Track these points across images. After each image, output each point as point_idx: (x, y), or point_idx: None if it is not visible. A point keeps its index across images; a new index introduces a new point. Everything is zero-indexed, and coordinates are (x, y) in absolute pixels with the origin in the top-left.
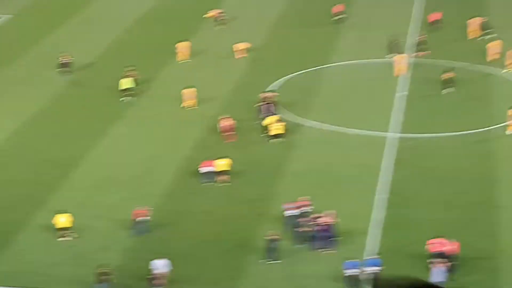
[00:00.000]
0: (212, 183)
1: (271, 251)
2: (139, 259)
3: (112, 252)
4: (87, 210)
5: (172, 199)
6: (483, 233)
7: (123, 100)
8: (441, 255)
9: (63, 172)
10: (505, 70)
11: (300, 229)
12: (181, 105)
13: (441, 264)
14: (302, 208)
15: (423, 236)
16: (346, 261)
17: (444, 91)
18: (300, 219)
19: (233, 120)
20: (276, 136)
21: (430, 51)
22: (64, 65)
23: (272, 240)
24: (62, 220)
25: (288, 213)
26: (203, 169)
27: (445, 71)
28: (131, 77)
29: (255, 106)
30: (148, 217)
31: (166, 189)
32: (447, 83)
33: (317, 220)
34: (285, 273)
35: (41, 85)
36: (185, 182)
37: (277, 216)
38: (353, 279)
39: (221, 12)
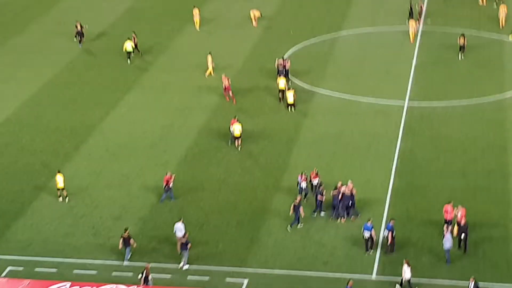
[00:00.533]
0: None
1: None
2: (154, 229)
3: (127, 222)
4: (102, 179)
5: (187, 168)
6: (495, 201)
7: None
8: (454, 222)
9: (78, 140)
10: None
11: (319, 198)
12: (206, 73)
13: (455, 231)
14: (312, 180)
15: (435, 204)
16: (366, 223)
17: (461, 56)
18: (318, 189)
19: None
20: (291, 105)
21: (420, 22)
22: (80, 33)
23: (295, 206)
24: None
25: (302, 184)
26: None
27: (461, 36)
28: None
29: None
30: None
31: (181, 158)
32: (463, 48)
33: (336, 189)
34: (300, 241)
35: (54, 53)
36: (199, 151)
37: (291, 186)
38: (371, 241)
39: None
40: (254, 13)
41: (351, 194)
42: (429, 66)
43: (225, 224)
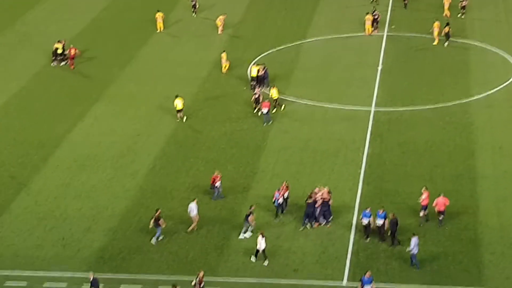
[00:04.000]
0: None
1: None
2: (124, 239)
3: (96, 233)
4: (70, 191)
5: (156, 178)
6: (463, 204)
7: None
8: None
9: (46, 152)
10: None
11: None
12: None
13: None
14: (284, 194)
15: (404, 209)
16: (365, 210)
17: (446, 44)
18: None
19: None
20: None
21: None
22: (57, 53)
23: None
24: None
25: (279, 200)
26: (264, 110)
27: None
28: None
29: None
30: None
31: (149, 167)
32: (447, 35)
33: (311, 197)
34: (270, 249)
35: (20, 66)
36: (168, 160)
37: (259, 193)
38: (368, 227)
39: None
40: (221, 19)
41: (325, 200)
42: (394, 71)
43: (195, 233)
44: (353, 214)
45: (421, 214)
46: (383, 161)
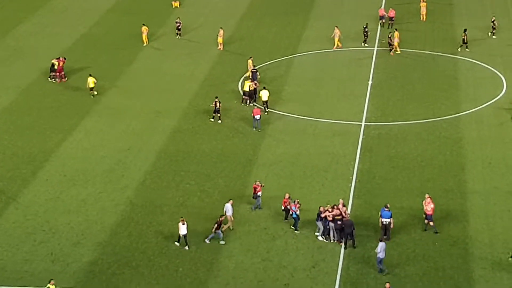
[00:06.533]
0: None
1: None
2: (113, 254)
3: (85, 247)
4: (59, 205)
5: (146, 192)
6: (453, 219)
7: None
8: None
9: (35, 166)
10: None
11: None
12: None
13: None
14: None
15: (395, 223)
16: (383, 208)
17: (459, 49)
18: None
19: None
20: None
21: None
22: (54, 69)
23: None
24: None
25: (296, 213)
26: (256, 116)
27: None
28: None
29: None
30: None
31: (140, 182)
32: (464, 42)
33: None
34: (261, 263)
35: (10, 80)
36: (158, 174)
37: (250, 208)
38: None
39: (178, 22)
40: (220, 34)
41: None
42: (385, 86)
43: (182, 251)
44: None
45: (431, 224)
46: (373, 176)
